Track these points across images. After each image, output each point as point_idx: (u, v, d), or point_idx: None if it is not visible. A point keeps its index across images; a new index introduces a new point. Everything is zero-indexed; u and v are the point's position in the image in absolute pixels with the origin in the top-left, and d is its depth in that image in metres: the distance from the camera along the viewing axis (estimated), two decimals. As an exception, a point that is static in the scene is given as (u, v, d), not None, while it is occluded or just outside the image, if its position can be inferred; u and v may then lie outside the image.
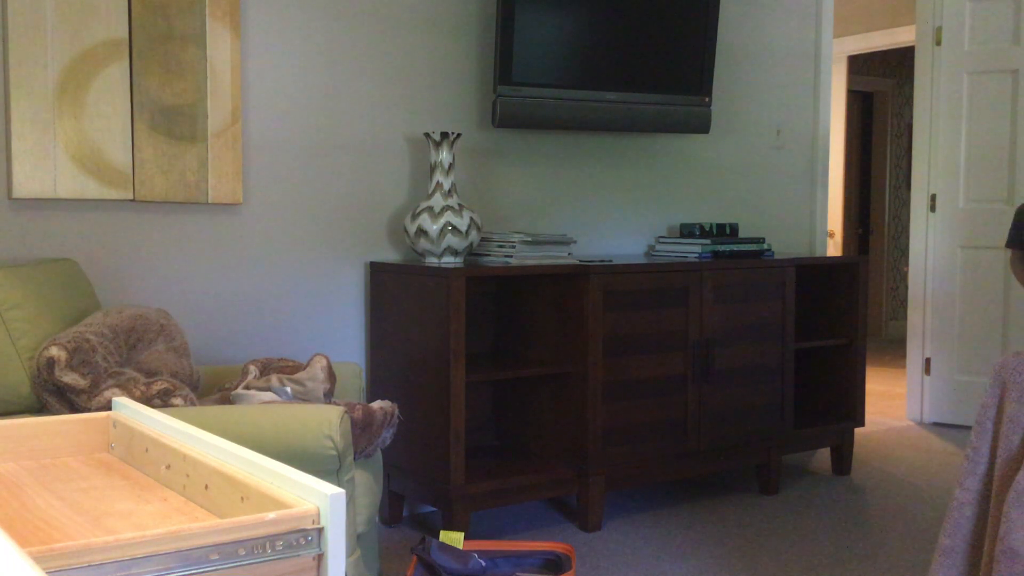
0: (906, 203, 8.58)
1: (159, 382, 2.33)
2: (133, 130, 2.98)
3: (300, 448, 2.17)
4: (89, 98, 2.90)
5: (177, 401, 2.32)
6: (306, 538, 1.07)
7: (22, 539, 1.16)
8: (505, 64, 3.49)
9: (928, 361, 5.18)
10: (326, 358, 2.64)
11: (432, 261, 3.30)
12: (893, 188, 8.60)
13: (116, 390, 2.26)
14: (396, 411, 2.51)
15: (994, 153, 4.94)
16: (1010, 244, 3.73)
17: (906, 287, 8.48)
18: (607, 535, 3.36)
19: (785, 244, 4.56)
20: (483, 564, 2.60)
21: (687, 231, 3.94)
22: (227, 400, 2.51)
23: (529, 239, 3.38)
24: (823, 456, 4.40)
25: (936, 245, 5.13)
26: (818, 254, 4.65)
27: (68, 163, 2.88)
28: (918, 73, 5.17)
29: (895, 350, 7.72)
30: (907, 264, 6.45)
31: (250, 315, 3.25)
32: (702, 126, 4.00)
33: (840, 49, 6.96)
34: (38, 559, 0.94)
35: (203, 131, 3.09)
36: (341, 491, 1.07)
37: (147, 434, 1.45)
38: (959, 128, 5.04)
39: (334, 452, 2.20)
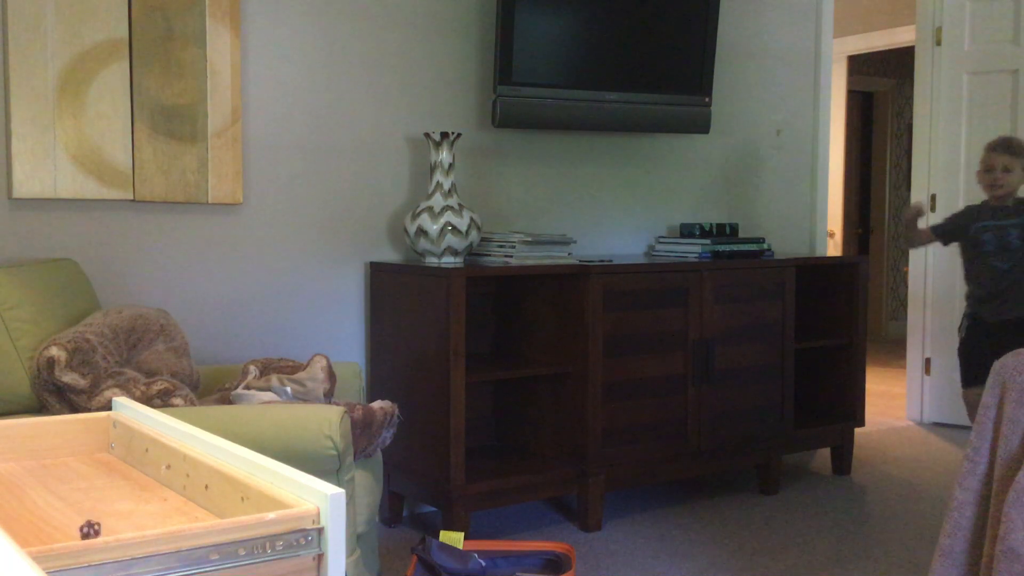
0: (906, 203, 8.57)
1: (159, 382, 2.33)
2: (133, 130, 2.98)
3: (300, 448, 2.17)
4: (89, 98, 2.90)
5: (177, 401, 2.32)
6: (306, 538, 1.07)
7: (22, 539, 1.16)
8: (505, 64, 3.49)
9: (928, 361, 5.18)
10: (326, 358, 2.64)
11: (432, 261, 3.30)
12: (893, 188, 8.60)
13: (116, 390, 2.26)
14: (396, 411, 2.51)
15: (994, 153, 4.93)
16: (942, 227, 3.94)
17: (906, 287, 8.47)
18: (607, 535, 3.36)
19: (785, 244, 4.56)
20: (483, 564, 2.60)
21: (687, 231, 3.94)
22: (227, 400, 2.51)
23: (529, 239, 3.38)
24: (823, 456, 4.40)
25: (936, 245, 5.12)
26: (818, 254, 4.65)
27: (68, 163, 2.88)
28: (918, 73, 5.17)
29: (895, 350, 7.72)
30: (907, 264, 6.45)
31: (250, 315, 3.25)
32: (702, 126, 4.00)
33: (840, 49, 6.95)
34: (38, 559, 0.94)
35: (203, 131, 3.09)
36: (341, 491, 1.07)
37: (147, 434, 1.45)
38: (959, 128, 5.04)
39: (334, 452, 2.20)
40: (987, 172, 3.77)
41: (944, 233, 3.92)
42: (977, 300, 3.83)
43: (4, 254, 2.84)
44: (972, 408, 3.80)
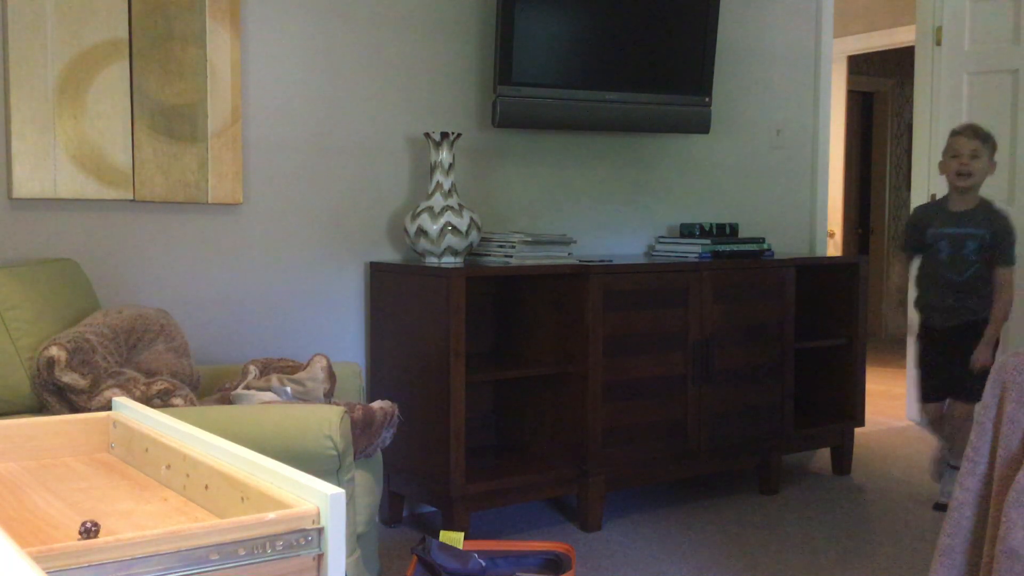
0: (906, 203, 8.57)
1: (159, 382, 2.33)
2: (133, 130, 2.98)
3: (300, 448, 2.17)
4: (89, 98, 2.90)
5: (177, 401, 2.32)
6: (306, 538, 1.07)
7: (22, 539, 1.16)
8: (505, 64, 3.49)
9: (928, 361, 5.17)
10: (326, 358, 2.64)
11: (432, 261, 3.30)
12: (893, 188, 8.60)
13: (116, 390, 2.26)
14: (396, 411, 2.51)
15: (994, 153, 4.93)
16: (906, 249, 3.79)
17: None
18: (607, 535, 3.36)
19: (785, 244, 4.56)
20: (483, 564, 2.60)
21: (687, 231, 3.94)
22: (227, 400, 2.51)
23: (529, 239, 3.38)
24: (823, 456, 4.40)
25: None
26: (818, 254, 4.65)
27: (68, 163, 2.88)
28: (918, 73, 5.17)
29: (895, 350, 7.72)
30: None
31: (250, 315, 3.25)
32: (702, 126, 4.00)
33: (840, 49, 6.95)
34: (38, 559, 0.94)
35: (203, 131, 3.09)
36: (341, 491, 1.07)
37: (147, 434, 1.45)
38: (959, 128, 5.04)
39: (334, 452, 2.20)
40: (953, 158, 3.56)
41: (911, 249, 3.75)
42: (926, 307, 3.67)
43: (4, 254, 2.84)
44: (932, 424, 3.74)
